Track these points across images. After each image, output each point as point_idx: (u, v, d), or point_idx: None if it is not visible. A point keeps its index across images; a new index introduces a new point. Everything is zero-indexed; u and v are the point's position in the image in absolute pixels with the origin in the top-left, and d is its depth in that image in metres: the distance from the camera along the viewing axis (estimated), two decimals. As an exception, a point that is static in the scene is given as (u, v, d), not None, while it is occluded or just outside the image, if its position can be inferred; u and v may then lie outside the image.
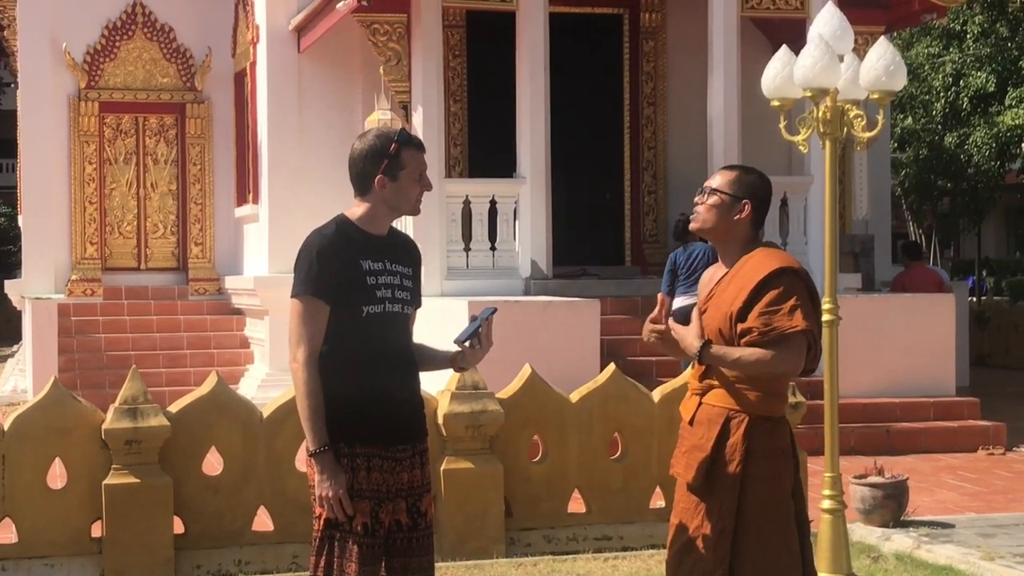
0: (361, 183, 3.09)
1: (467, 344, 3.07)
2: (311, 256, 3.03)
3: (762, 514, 3.11)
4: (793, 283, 3.13)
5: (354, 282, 3.02)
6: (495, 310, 3.13)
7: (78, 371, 10.81)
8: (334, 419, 3.02)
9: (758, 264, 3.16)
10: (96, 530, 5.12)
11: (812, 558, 3.27)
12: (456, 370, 3.17)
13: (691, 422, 3.20)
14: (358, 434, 3.02)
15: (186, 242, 12.23)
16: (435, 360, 3.20)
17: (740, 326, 3.12)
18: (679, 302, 8.12)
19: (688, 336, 3.18)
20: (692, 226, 3.27)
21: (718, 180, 3.23)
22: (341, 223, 3.09)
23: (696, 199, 3.26)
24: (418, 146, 3.12)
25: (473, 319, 3.09)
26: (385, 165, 3.05)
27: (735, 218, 3.20)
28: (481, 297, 8.48)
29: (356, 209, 3.12)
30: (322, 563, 3.02)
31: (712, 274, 3.33)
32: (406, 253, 3.16)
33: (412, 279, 3.15)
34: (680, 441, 3.26)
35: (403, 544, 3.07)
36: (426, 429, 3.21)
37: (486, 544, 5.35)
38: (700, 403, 3.21)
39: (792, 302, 3.10)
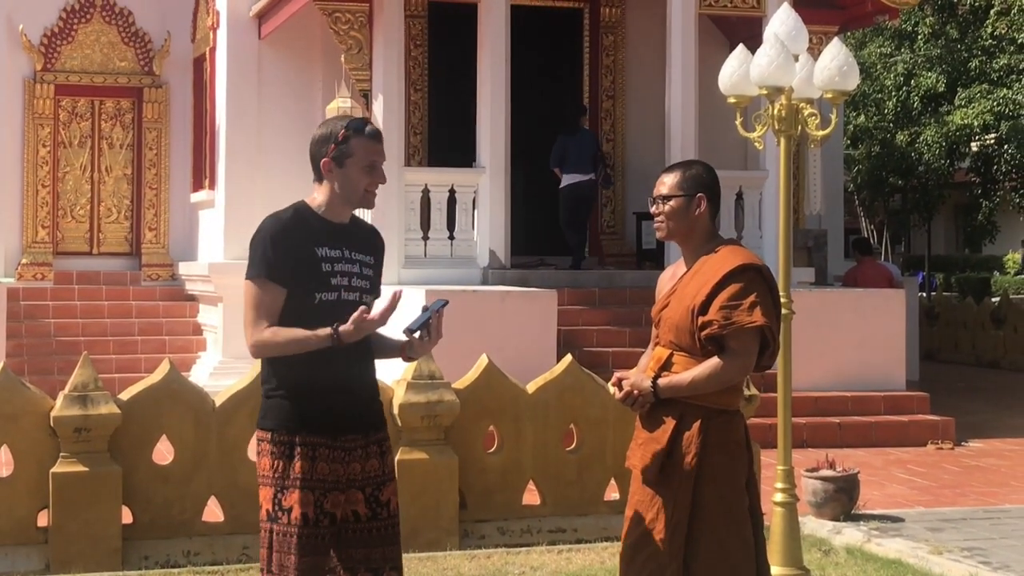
0: (314, 167, 3.08)
1: (416, 335, 3.04)
2: (265, 240, 3.00)
3: (717, 506, 3.15)
4: (755, 280, 3.18)
5: (308, 268, 2.99)
6: (447, 302, 3.09)
7: (27, 356, 10.61)
8: (279, 406, 3.00)
9: (721, 260, 3.21)
10: (42, 519, 5.04)
11: (765, 550, 3.31)
12: (404, 359, 3.14)
13: (647, 415, 3.23)
14: (301, 424, 2.99)
15: (140, 227, 12.05)
16: (385, 348, 3.16)
17: (701, 319, 3.16)
18: (568, 179, 10.01)
19: (636, 379, 3.21)
20: (659, 236, 3.32)
21: (667, 185, 3.27)
22: (300, 209, 3.07)
23: (652, 210, 3.30)
24: (372, 136, 3.05)
25: (424, 309, 3.05)
26: (332, 150, 3.02)
27: (695, 214, 3.25)
28: (438, 286, 8.46)
29: (316, 195, 3.09)
30: (264, 555, 3.00)
31: (672, 272, 3.37)
32: (367, 242, 3.13)
33: (373, 268, 3.12)
34: (636, 434, 3.28)
35: (362, 535, 3.03)
36: (383, 418, 3.18)
37: (439, 536, 5.34)
38: None
39: (752, 298, 3.15)
